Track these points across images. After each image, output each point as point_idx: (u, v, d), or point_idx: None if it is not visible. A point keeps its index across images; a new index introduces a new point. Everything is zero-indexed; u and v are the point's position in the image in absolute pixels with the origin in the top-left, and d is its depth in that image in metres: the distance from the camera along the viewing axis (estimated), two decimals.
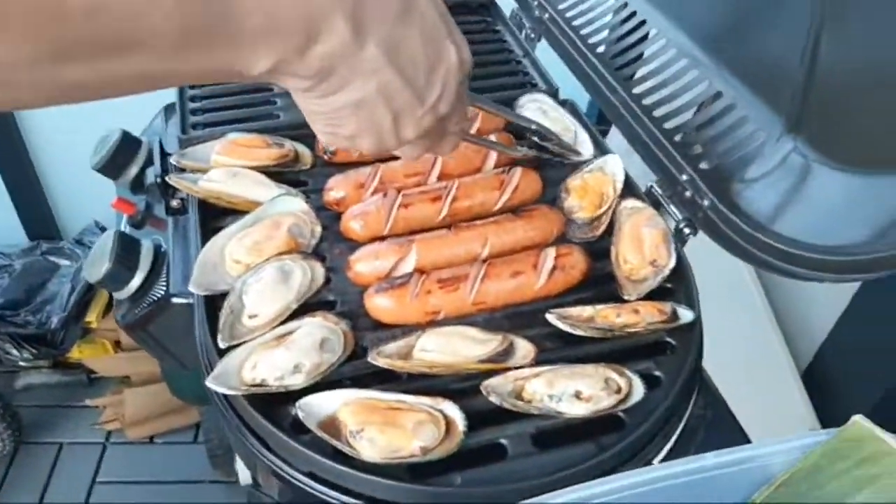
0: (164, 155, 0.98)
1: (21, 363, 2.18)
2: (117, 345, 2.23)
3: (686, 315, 0.80)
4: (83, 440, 2.13)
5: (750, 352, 1.42)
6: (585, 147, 1.03)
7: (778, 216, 0.88)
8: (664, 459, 0.75)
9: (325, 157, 0.99)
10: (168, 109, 1.16)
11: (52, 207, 2.38)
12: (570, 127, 1.04)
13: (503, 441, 0.70)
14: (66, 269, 2.25)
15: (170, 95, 1.11)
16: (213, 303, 0.79)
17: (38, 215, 2.36)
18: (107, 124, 1.17)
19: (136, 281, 0.93)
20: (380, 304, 0.78)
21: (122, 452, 2.12)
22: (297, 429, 0.69)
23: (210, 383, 0.69)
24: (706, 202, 0.92)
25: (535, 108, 1.06)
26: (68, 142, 1.95)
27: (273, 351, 0.72)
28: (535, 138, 0.92)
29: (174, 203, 0.97)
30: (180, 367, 0.98)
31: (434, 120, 0.60)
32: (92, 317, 2.18)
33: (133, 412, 2.10)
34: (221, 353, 0.74)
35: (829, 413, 1.30)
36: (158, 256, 0.96)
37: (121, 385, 2.20)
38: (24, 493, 1.97)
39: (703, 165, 0.97)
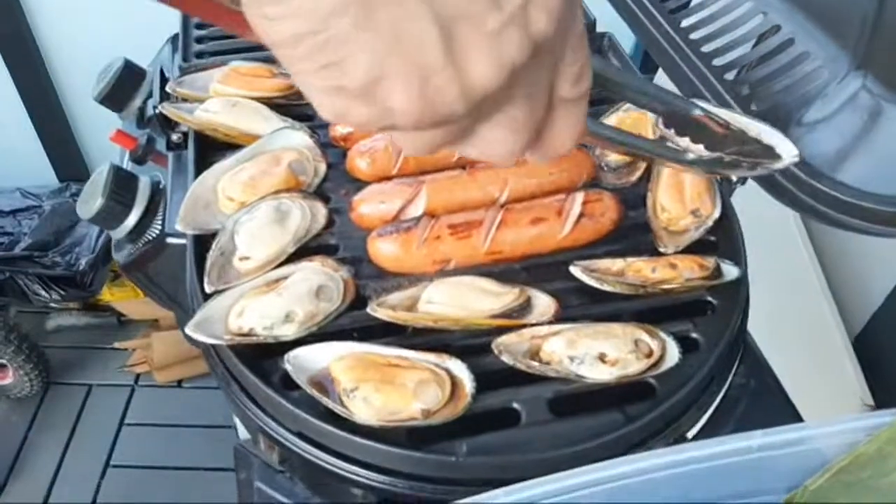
0: (165, 84, 0.91)
1: (51, 304, 2.18)
2: None
3: (731, 272, 0.71)
4: (112, 382, 2.13)
5: (797, 316, 1.31)
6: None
7: (841, 163, 0.77)
8: (700, 432, 0.66)
9: None
10: (175, 39, 1.09)
11: (81, 149, 2.35)
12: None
13: (516, 406, 0.63)
14: None
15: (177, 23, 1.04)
16: (204, 243, 0.72)
17: (67, 157, 2.34)
18: (133, 58, 1.10)
19: (132, 219, 0.87)
20: (383, 250, 0.70)
21: (149, 395, 2.12)
22: (287, 384, 0.62)
23: (190, 331, 0.62)
24: None
25: None
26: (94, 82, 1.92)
27: (263, 297, 0.65)
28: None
29: (175, 137, 0.90)
30: (182, 310, 0.92)
31: (526, 43, 0.31)
32: None
33: (161, 356, 2.10)
34: (208, 297, 0.67)
35: (881, 385, 1.20)
36: (157, 193, 0.90)
37: (149, 328, 2.20)
38: (53, 434, 1.99)
39: (756, 107, 0.87)
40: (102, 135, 2.32)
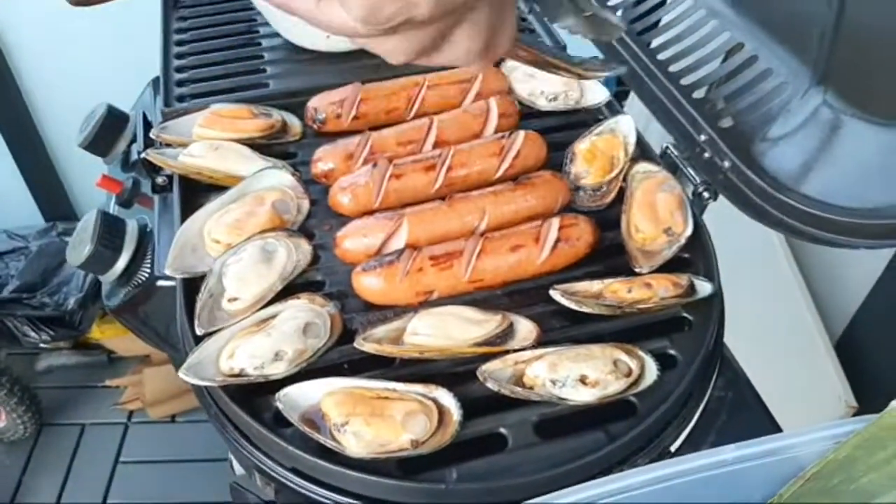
0: (148, 130, 0.92)
1: (41, 345, 2.18)
2: None
3: (704, 288, 0.73)
4: (105, 420, 2.12)
5: (779, 321, 1.34)
6: (597, 94, 0.95)
7: (806, 176, 0.80)
8: (682, 446, 0.69)
9: (316, 126, 0.93)
10: (156, 82, 1.11)
11: (66, 188, 2.36)
12: (571, 79, 0.96)
13: (502, 431, 0.64)
14: None
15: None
16: (193, 286, 0.74)
17: (52, 196, 2.35)
18: (118, 102, 1.12)
19: (121, 263, 0.88)
20: (368, 284, 0.72)
21: (144, 432, 2.11)
22: (279, 421, 0.64)
23: (183, 374, 0.64)
24: (726, 163, 0.85)
25: (521, 74, 0.98)
26: (79, 120, 1.93)
27: (252, 337, 0.67)
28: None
29: (160, 180, 0.91)
30: (173, 351, 0.94)
31: None
32: None
33: (153, 391, 2.09)
34: (199, 339, 0.69)
35: (864, 386, 1.23)
36: (144, 237, 0.91)
37: (140, 364, 2.19)
38: (48, 475, 1.98)
39: (724, 124, 0.90)
40: (87, 173, 2.33)
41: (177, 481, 1.97)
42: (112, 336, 2.21)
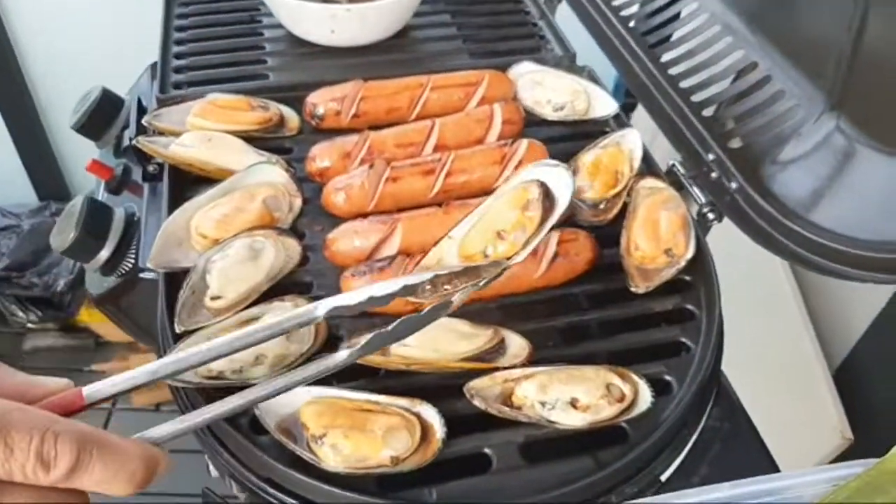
0: (141, 116, 0.90)
1: (28, 325, 2.16)
2: None
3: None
4: None
5: (778, 346, 1.32)
6: (604, 106, 0.93)
7: (815, 204, 0.78)
8: (673, 475, 0.66)
9: (314, 122, 0.90)
10: (154, 67, 1.08)
11: (62, 168, 2.33)
12: (579, 90, 0.94)
13: (487, 451, 0.62)
14: None
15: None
16: (175, 281, 0.71)
17: (47, 176, 2.32)
18: (117, 85, 1.09)
19: (105, 252, 0.86)
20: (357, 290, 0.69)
21: (127, 418, 2.09)
22: (255, 429, 0.61)
23: None
24: (734, 185, 0.83)
25: (528, 81, 0.95)
26: (75, 102, 1.91)
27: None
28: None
29: (150, 168, 0.89)
30: (153, 344, 0.91)
31: None
32: None
33: None
34: (178, 337, 0.66)
35: (861, 417, 1.20)
36: (131, 226, 0.89)
37: (127, 351, 2.17)
38: None
39: (733, 144, 0.87)
40: (84, 154, 2.30)
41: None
42: (100, 320, 2.19)
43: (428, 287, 0.58)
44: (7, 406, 0.40)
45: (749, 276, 1.34)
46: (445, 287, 0.59)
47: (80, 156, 2.30)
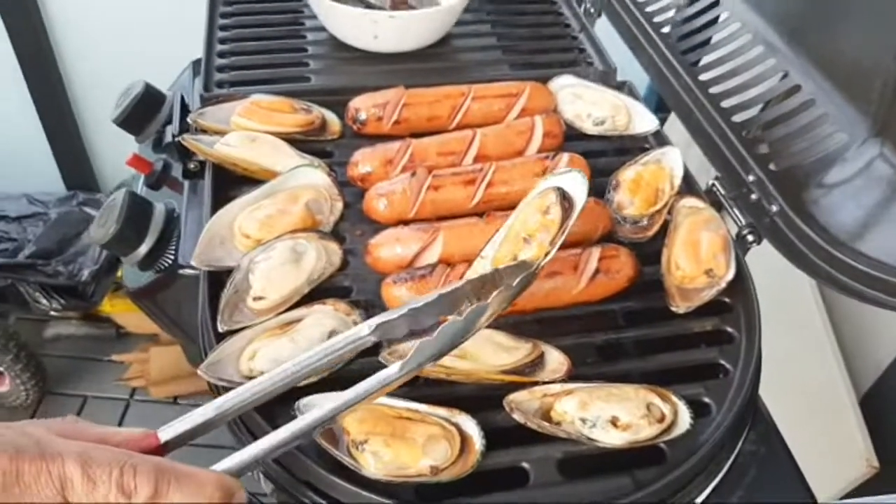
0: (185, 112, 0.91)
1: (51, 313, 2.17)
2: None
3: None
4: (107, 395, 2.12)
5: (805, 374, 1.30)
6: (645, 122, 0.93)
7: (857, 230, 0.77)
8: (708, 498, 0.66)
9: (355, 127, 0.91)
10: (196, 64, 1.09)
11: (90, 159, 2.36)
12: (619, 105, 0.94)
13: (525, 465, 0.62)
14: None
15: (200, 49, 1.04)
16: (218, 280, 0.72)
17: (76, 165, 2.35)
18: (149, 77, 1.11)
19: (145, 247, 0.87)
20: (398, 297, 0.70)
21: (144, 410, 2.11)
22: None
23: (202, 372, 0.62)
24: (774, 207, 0.82)
25: (568, 95, 0.96)
26: (111, 93, 1.93)
27: (276, 340, 0.65)
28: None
29: (191, 165, 0.90)
30: (187, 340, 0.92)
31: None
32: (123, 272, 2.16)
33: (158, 371, 2.09)
34: (220, 336, 0.67)
35: (887, 445, 1.19)
36: (171, 222, 0.89)
37: (148, 342, 2.18)
38: None
39: (774, 166, 0.87)
40: (114, 147, 2.34)
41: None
42: (122, 311, 2.21)
43: (469, 297, 0.59)
44: (88, 445, 0.43)
45: (777, 300, 1.32)
46: (483, 295, 0.60)
47: (110, 148, 2.33)
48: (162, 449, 0.47)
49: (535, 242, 0.67)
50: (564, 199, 0.69)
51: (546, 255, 0.66)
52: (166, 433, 0.47)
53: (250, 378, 0.63)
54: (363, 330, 0.55)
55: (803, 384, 1.28)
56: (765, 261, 0.86)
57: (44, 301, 2.17)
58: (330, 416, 0.51)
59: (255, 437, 0.64)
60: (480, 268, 0.70)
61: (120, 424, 2.03)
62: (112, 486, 0.41)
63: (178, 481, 0.43)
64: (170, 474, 0.43)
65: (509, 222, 0.71)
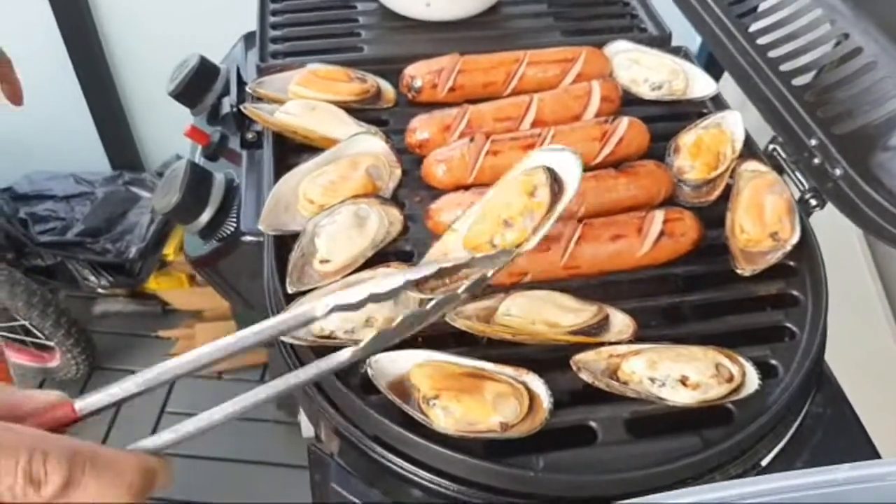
0: (241, 83, 0.92)
1: (99, 290, 2.22)
2: (192, 279, 2.24)
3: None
4: None
5: (860, 343, 1.28)
6: (703, 86, 0.92)
7: None
8: (774, 460, 0.65)
9: (410, 95, 0.91)
10: (248, 38, 1.10)
11: (136, 138, 2.39)
12: (677, 69, 0.93)
13: (593, 424, 0.62)
14: (146, 201, 2.26)
15: (251, 23, 1.05)
16: (283, 244, 0.73)
17: (122, 145, 2.38)
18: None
19: (206, 215, 0.88)
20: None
21: (190, 385, 2.12)
22: (366, 388, 0.63)
23: None
24: (838, 171, 0.81)
25: (624, 60, 0.94)
26: (155, 73, 1.95)
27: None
28: None
29: (249, 135, 0.91)
30: (247, 306, 0.94)
31: None
32: (169, 249, 2.20)
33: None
34: (289, 298, 0.68)
35: None
36: (230, 191, 0.91)
37: (193, 319, 2.23)
38: (94, 419, 2.02)
39: (837, 130, 0.85)
40: (158, 125, 2.37)
41: (219, 437, 1.97)
42: (168, 288, 2.25)
43: (434, 281, 0.57)
44: None
45: (829, 267, 1.30)
46: (452, 280, 0.58)
47: (154, 128, 2.36)
48: (78, 420, 0.44)
49: (516, 226, 0.63)
50: (555, 181, 0.64)
51: (526, 241, 0.62)
52: (84, 406, 0.44)
53: (322, 337, 0.65)
54: (317, 310, 0.53)
55: (859, 354, 1.26)
56: (816, 229, 0.85)
57: (92, 278, 2.22)
58: (273, 398, 0.50)
59: (324, 395, 0.65)
60: (451, 241, 0.66)
61: (166, 401, 2.09)
62: (18, 477, 0.38)
63: (95, 467, 0.40)
64: (84, 459, 0.40)
65: (487, 197, 0.66)
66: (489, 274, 0.57)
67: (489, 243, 0.64)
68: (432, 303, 0.54)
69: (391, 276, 0.55)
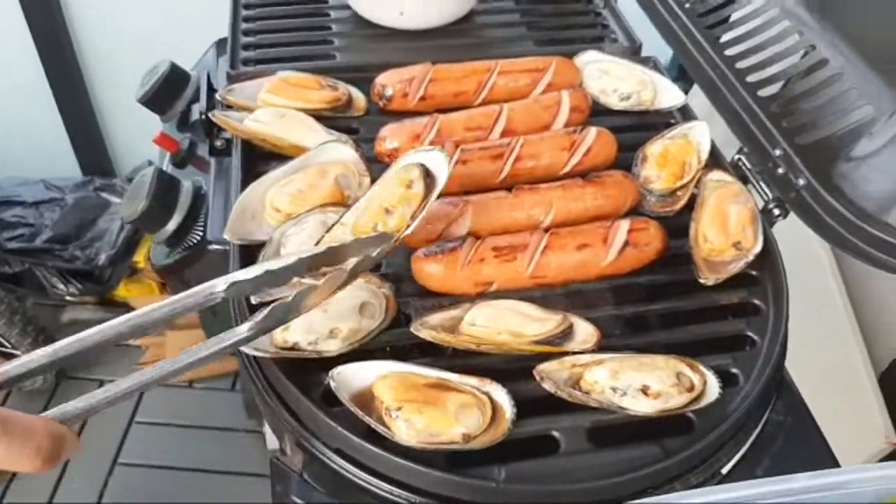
0: (211, 90, 0.91)
1: (67, 298, 2.19)
2: (163, 286, 2.21)
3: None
4: None
5: (824, 350, 1.30)
6: (671, 97, 0.93)
7: (887, 204, 0.77)
8: (734, 468, 0.66)
9: (381, 103, 0.91)
10: (220, 44, 1.10)
11: (107, 144, 2.37)
12: (646, 80, 0.94)
13: (555, 434, 0.62)
14: (116, 207, 2.23)
15: (223, 29, 1.05)
16: (249, 253, 0.73)
17: (93, 151, 2.36)
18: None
19: (173, 223, 0.87)
20: (427, 270, 0.70)
21: (160, 394, 2.11)
22: (329, 400, 0.62)
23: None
24: (801, 181, 0.82)
25: (594, 70, 0.95)
26: (127, 78, 1.93)
27: (310, 311, 0.65)
28: None
29: (218, 143, 0.90)
30: (212, 317, 0.93)
31: None
32: (140, 256, 2.18)
33: (174, 355, 2.10)
34: (253, 308, 0.67)
35: None
36: (198, 199, 0.90)
37: (164, 327, 2.20)
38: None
39: (800, 140, 0.87)
40: (130, 131, 2.35)
41: (189, 446, 1.97)
42: (138, 295, 2.22)
43: (326, 266, 0.60)
44: None
45: (794, 275, 1.32)
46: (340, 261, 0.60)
47: (126, 134, 2.34)
48: None
49: (396, 214, 0.69)
50: (428, 176, 0.70)
51: (406, 227, 0.68)
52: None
53: (284, 349, 0.64)
54: (218, 286, 0.55)
55: (821, 361, 1.28)
56: (782, 238, 0.86)
57: (61, 286, 2.18)
58: (174, 372, 0.53)
59: (286, 407, 0.65)
60: (340, 234, 0.70)
61: (136, 408, 2.06)
62: None
63: (6, 432, 0.40)
64: None
65: (369, 194, 0.72)
66: (373, 254, 0.61)
67: (373, 230, 0.69)
68: (325, 278, 0.57)
69: (284, 257, 0.58)
